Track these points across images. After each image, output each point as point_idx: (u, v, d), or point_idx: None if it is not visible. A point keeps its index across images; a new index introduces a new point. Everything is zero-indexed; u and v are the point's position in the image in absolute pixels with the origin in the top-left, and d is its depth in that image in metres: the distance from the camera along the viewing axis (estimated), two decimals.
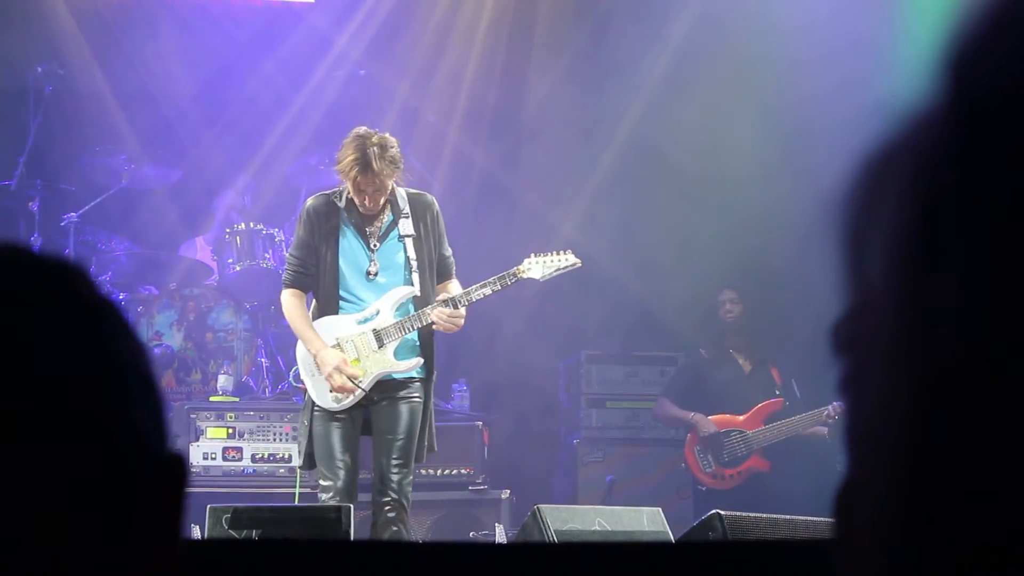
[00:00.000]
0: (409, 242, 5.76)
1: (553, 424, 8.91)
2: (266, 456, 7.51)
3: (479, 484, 7.47)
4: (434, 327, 5.74)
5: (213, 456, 7.46)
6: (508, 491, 7.46)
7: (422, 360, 5.76)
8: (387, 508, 5.57)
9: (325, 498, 5.55)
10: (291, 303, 5.81)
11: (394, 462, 5.60)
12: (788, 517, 4.18)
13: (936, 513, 0.55)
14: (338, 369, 5.64)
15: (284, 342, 7.84)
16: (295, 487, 6.90)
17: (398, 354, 5.75)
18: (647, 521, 5.15)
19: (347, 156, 5.56)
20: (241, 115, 9.38)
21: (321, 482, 5.62)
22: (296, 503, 6.73)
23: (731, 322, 8.01)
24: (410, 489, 5.64)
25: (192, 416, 7.50)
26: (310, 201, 5.85)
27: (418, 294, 5.75)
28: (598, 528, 5.05)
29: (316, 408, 5.71)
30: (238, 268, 8.22)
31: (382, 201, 5.68)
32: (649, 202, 8.84)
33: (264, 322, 8.31)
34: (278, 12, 9.55)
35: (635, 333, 8.76)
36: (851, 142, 0.64)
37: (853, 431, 0.61)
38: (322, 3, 9.50)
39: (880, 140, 0.60)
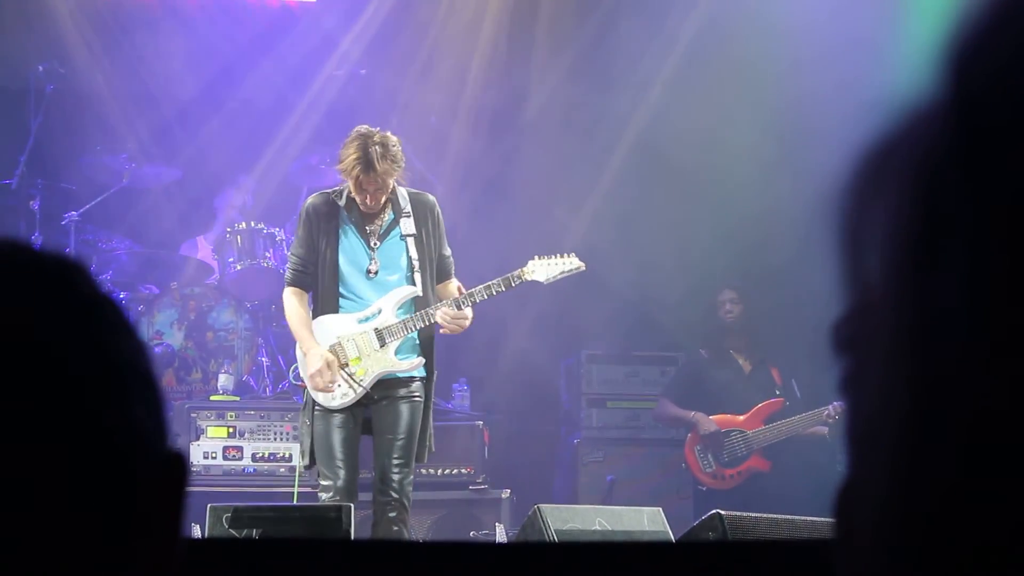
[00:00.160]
0: (411, 241, 5.76)
1: (553, 424, 8.90)
2: (266, 455, 7.50)
3: (479, 484, 7.46)
4: (441, 331, 5.74)
5: (213, 455, 7.46)
6: (508, 491, 7.46)
7: (423, 360, 5.76)
8: (388, 508, 5.56)
9: (325, 497, 5.54)
10: (291, 302, 5.81)
11: (395, 461, 5.60)
12: (788, 517, 4.17)
13: (936, 513, 0.55)
14: (320, 372, 5.63)
15: (285, 341, 7.83)
16: (293, 487, 6.90)
17: (399, 353, 5.75)
18: (647, 521, 5.15)
19: (349, 155, 5.56)
20: (242, 114, 9.38)
21: (321, 481, 5.62)
22: (296, 502, 6.72)
23: (731, 322, 8.00)
24: (411, 488, 5.64)
25: (192, 415, 7.50)
26: (310, 200, 5.85)
27: (420, 294, 5.75)
28: (598, 528, 5.05)
29: (317, 407, 5.71)
30: (239, 267, 8.22)
31: (383, 200, 5.69)
32: (649, 202, 8.84)
33: (265, 321, 8.31)
34: (279, 12, 9.55)
35: (635, 333, 8.76)
36: (851, 141, 0.64)
37: (853, 431, 0.61)
38: (323, 3, 9.50)
39: (879, 135, 0.60)
